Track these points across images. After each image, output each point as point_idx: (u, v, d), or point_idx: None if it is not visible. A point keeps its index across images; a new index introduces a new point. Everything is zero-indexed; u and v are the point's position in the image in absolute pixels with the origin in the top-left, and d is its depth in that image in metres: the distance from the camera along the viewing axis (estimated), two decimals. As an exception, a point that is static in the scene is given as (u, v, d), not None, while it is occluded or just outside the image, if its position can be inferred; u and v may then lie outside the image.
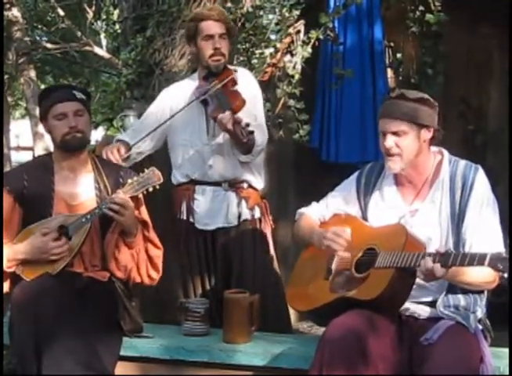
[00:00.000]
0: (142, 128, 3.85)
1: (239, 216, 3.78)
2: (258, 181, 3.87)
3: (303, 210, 3.28)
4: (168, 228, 3.87)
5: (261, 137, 3.68)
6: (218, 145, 3.74)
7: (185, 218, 3.83)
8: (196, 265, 3.82)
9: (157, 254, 3.40)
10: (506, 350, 2.97)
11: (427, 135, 2.89)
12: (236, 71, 3.75)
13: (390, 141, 2.87)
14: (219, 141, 3.73)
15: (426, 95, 2.92)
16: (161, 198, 3.61)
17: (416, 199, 2.96)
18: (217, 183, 3.78)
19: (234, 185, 3.78)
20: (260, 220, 3.84)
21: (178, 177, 3.87)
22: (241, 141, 3.50)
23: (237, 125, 3.47)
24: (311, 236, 3.09)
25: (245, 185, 3.80)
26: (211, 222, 3.79)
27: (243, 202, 3.78)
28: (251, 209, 3.80)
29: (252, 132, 3.50)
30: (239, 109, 3.58)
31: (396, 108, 2.86)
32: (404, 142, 2.86)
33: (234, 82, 3.68)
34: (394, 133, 2.86)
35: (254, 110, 3.75)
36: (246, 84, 3.78)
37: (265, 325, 3.49)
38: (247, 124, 3.47)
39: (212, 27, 3.72)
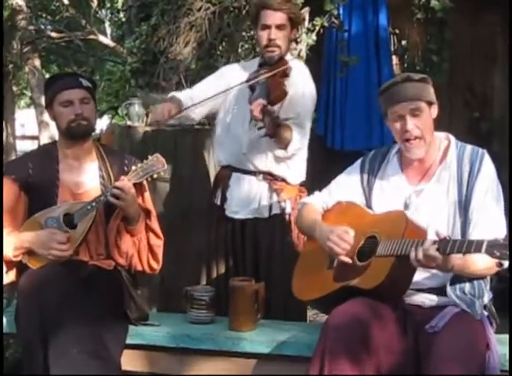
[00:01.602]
0: (196, 93, 3.79)
1: (270, 209, 3.73)
2: (294, 176, 3.77)
3: (305, 200, 3.27)
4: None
5: (298, 135, 3.57)
6: (257, 135, 3.58)
7: (218, 203, 3.82)
8: (223, 252, 3.82)
9: (158, 243, 3.40)
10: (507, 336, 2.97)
11: (434, 112, 2.93)
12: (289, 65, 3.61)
13: (411, 123, 2.87)
14: (259, 132, 3.52)
15: (425, 75, 2.98)
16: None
17: (421, 180, 2.96)
18: (252, 172, 3.73)
19: (267, 177, 3.73)
20: (290, 215, 3.75)
21: (219, 158, 3.87)
22: (267, 131, 3.38)
23: (266, 115, 3.34)
24: (314, 230, 3.07)
25: (279, 178, 3.74)
26: (241, 211, 3.76)
27: (275, 195, 3.73)
28: (283, 202, 3.74)
29: (279, 126, 3.39)
30: (277, 101, 3.49)
31: (408, 90, 2.87)
32: (422, 122, 2.87)
33: (284, 74, 3.57)
34: (413, 114, 2.86)
35: (298, 107, 3.63)
36: (299, 79, 3.68)
37: (284, 315, 3.56)
38: (277, 117, 3.38)
39: (269, 17, 3.58)
